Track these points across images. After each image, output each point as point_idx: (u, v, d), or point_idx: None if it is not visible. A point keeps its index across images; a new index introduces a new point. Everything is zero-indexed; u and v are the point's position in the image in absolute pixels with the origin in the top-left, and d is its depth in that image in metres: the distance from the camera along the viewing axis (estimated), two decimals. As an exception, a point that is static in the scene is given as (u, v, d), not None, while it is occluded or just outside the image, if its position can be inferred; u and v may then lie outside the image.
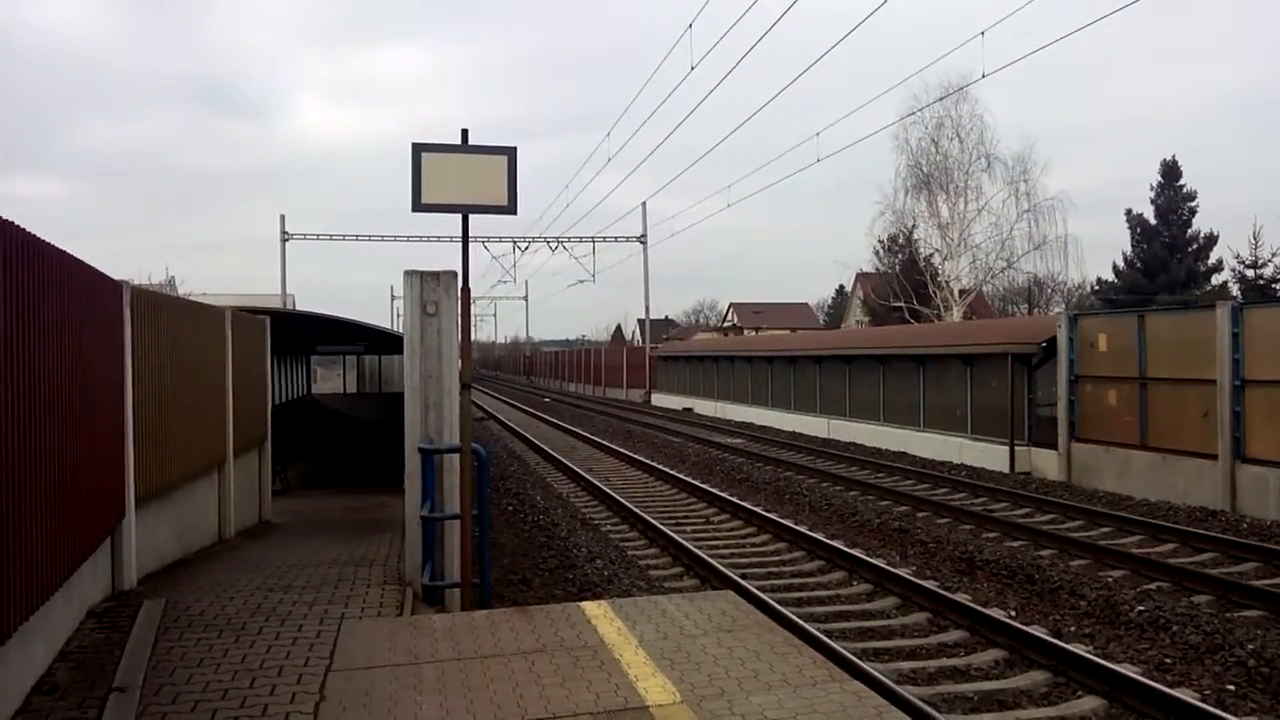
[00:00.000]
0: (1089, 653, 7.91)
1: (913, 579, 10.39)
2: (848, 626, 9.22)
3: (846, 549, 12.07)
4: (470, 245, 8.01)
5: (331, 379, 47.17)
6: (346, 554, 9.96)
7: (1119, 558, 11.49)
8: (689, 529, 14.34)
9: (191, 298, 17.06)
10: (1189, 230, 52.74)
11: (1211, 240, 52.03)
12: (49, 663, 6.01)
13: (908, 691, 7.04)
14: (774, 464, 21.81)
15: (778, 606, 9.16)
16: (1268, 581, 10.55)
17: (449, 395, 8.39)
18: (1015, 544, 12.64)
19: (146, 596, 7.73)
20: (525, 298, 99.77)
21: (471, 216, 7.73)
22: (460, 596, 8.02)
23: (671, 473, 19.97)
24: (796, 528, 13.54)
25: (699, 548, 12.39)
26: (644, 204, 55.58)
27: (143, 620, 7.00)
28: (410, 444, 8.40)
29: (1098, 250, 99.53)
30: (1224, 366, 15.03)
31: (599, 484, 18.44)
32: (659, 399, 48.72)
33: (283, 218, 54.48)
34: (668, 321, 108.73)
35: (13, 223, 5.00)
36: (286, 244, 54.51)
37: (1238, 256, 47.25)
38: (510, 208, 7.52)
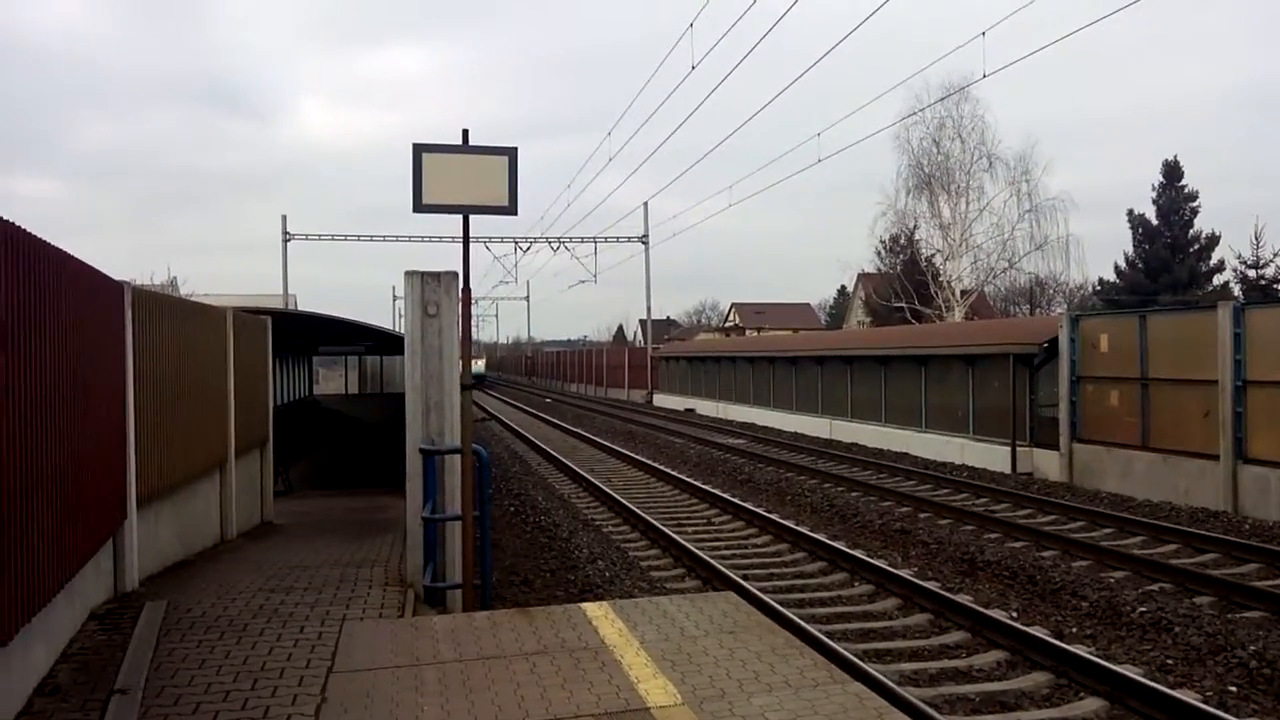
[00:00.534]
0: (1091, 654, 7.90)
1: (914, 580, 10.38)
2: (849, 628, 9.22)
3: (848, 550, 12.06)
4: (471, 245, 8.01)
5: (333, 379, 47.19)
6: (348, 555, 9.96)
7: (1121, 558, 11.48)
8: (690, 530, 14.34)
9: (193, 298, 17.07)
10: (1191, 230, 52.72)
11: (1213, 240, 52.02)
12: (51, 664, 6.01)
13: (909, 693, 7.04)
14: (776, 465, 21.81)
15: (779, 608, 9.15)
16: (1270, 582, 10.54)
17: (450, 396, 8.39)
18: (1017, 545, 12.63)
19: (148, 598, 7.73)
20: (527, 298, 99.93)
21: (473, 217, 7.73)
22: (461, 598, 8.02)
23: (673, 473, 19.96)
24: (798, 529, 13.53)
25: (700, 549, 12.38)
26: (645, 204, 55.62)
27: (144, 622, 7.00)
28: (411, 445, 8.40)
29: (1099, 250, 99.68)
30: (1226, 367, 15.02)
31: (600, 485, 18.44)
32: (661, 399, 48.72)
33: (284, 218, 54.50)
34: (669, 322, 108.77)
35: (14, 223, 5.00)
36: (288, 244, 54.52)
37: (1239, 257, 47.29)
38: (511, 208, 7.52)
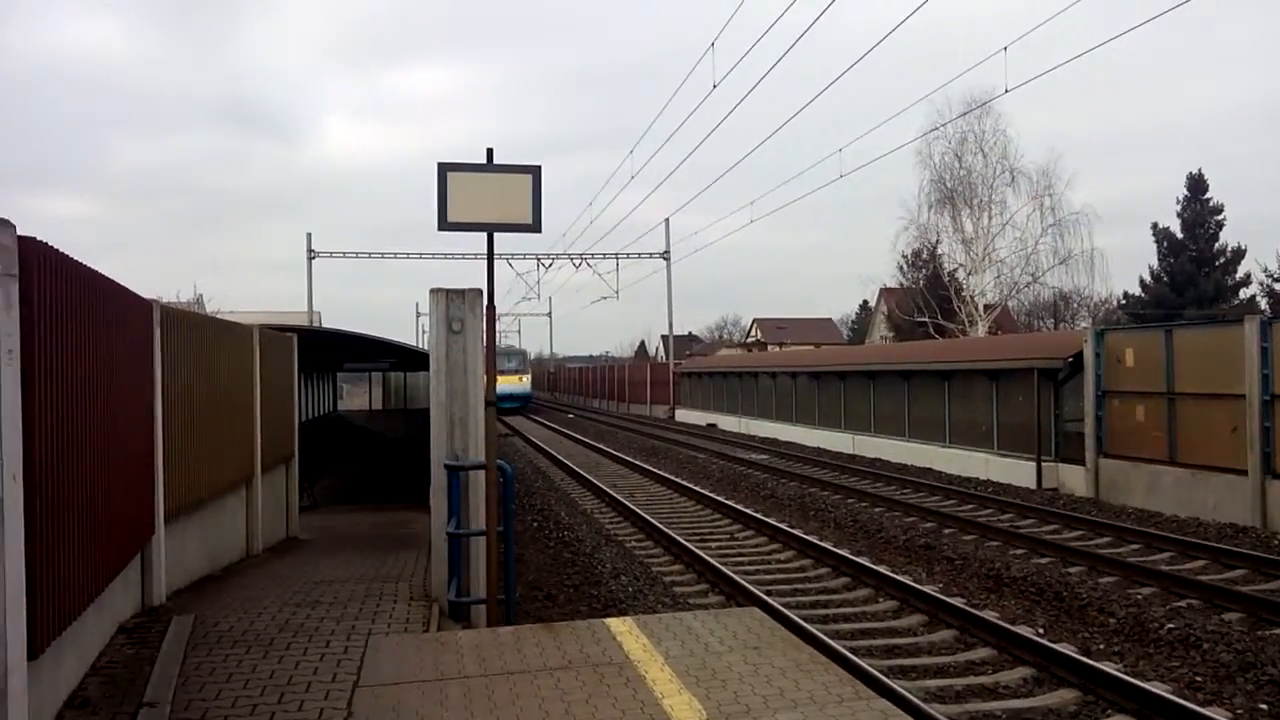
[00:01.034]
0: (1119, 671, 7.84)
1: (939, 596, 10.33)
2: (874, 644, 9.18)
3: (872, 565, 12.02)
4: (495, 262, 8.06)
5: (358, 395, 47.44)
6: (373, 570, 10.00)
7: (1148, 575, 11.38)
8: (714, 545, 14.32)
9: (219, 316, 17.22)
10: (1216, 244, 52.40)
11: (1239, 254, 51.66)
12: (80, 677, 6.07)
13: (935, 710, 7.01)
14: (798, 480, 21.75)
15: (803, 624, 9.12)
16: (1300, 599, 10.43)
17: (475, 411, 8.43)
18: (1043, 560, 12.55)
19: (175, 612, 7.80)
20: (549, 314, 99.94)
21: (496, 234, 7.79)
22: (486, 613, 8.04)
23: (696, 489, 19.95)
24: (821, 544, 13.50)
25: (724, 564, 12.37)
26: (667, 220, 55.92)
27: (172, 636, 7.06)
28: (436, 460, 8.45)
29: (1124, 264, 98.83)
30: (1253, 381, 14.89)
31: (623, 500, 18.44)
32: (683, 414, 48.69)
33: (309, 236, 54.96)
34: (691, 337, 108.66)
35: (46, 243, 5.07)
36: (313, 262, 54.91)
37: (1266, 270, 46.92)
38: (535, 226, 7.57)
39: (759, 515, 16.16)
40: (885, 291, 62.63)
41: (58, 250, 5.28)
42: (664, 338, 68.07)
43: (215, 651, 6.76)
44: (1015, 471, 20.46)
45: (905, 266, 52.45)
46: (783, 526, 15.01)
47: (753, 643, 6.64)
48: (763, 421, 36.68)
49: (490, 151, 7.55)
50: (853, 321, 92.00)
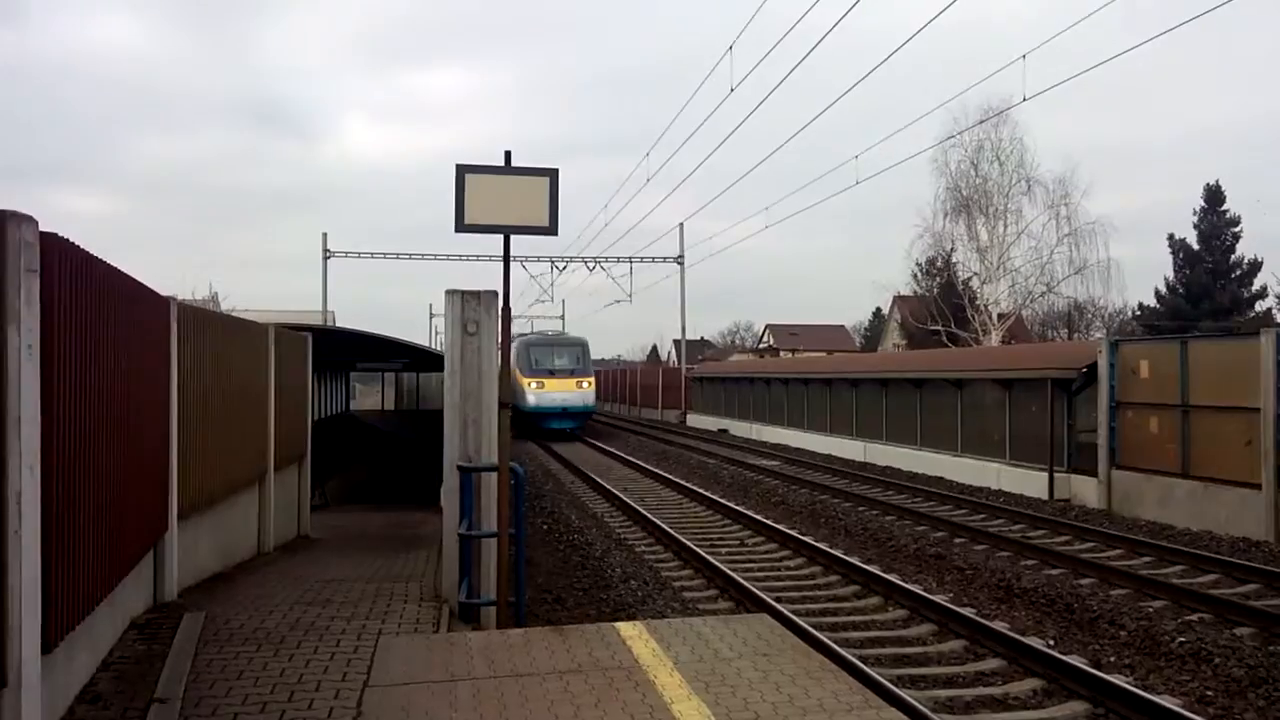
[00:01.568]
0: (1129, 684, 7.81)
1: (950, 605, 10.31)
2: (883, 653, 9.16)
3: (882, 574, 11.99)
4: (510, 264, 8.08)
5: (370, 395, 47.58)
6: (384, 570, 10.03)
7: (1160, 588, 11.33)
8: (723, 551, 14.31)
9: (233, 314, 17.30)
10: (1232, 256, 52.18)
11: (1256, 266, 51.45)
12: (92, 672, 6.10)
13: None
14: (809, 486, 21.72)
15: (813, 631, 9.11)
16: (1313, 615, 10.37)
17: (488, 413, 8.45)
18: (1054, 572, 12.50)
19: (187, 609, 7.83)
20: (562, 317, 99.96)
21: (511, 236, 7.81)
22: (496, 614, 8.05)
23: (706, 494, 19.93)
24: (831, 551, 13.47)
25: (733, 570, 12.35)
26: (681, 225, 55.66)
27: (183, 632, 7.10)
28: (449, 461, 8.47)
29: (1139, 275, 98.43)
30: (1268, 394, 14.81)
31: (633, 504, 18.44)
32: (694, 419, 48.65)
33: (325, 235, 55.01)
34: (703, 342, 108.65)
35: (67, 239, 5.11)
36: (328, 261, 55.05)
37: (1283, 282, 46.63)
38: (551, 229, 7.59)
39: (769, 521, 16.14)
40: (899, 299, 62.46)
41: (78, 247, 5.31)
42: (676, 342, 68.09)
43: (226, 649, 6.79)
44: (1027, 482, 20.39)
45: (919, 274, 52.35)
46: (793, 533, 14.98)
47: (762, 649, 6.63)
48: (774, 428, 36.64)
49: (508, 154, 7.57)
50: (865, 329, 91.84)
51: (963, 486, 21.67)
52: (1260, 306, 49.90)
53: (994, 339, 43.09)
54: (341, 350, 25.02)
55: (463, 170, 7.39)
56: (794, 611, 10.20)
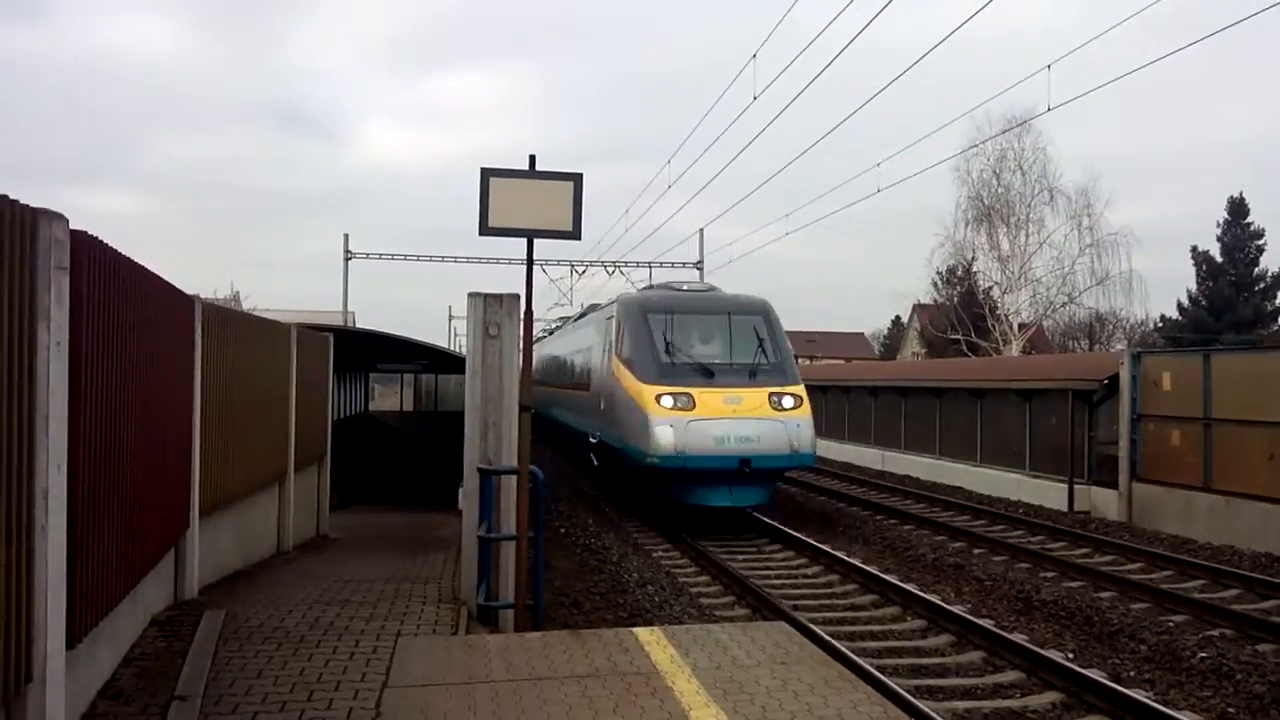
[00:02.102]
0: (1149, 699, 7.75)
1: (968, 616, 10.26)
2: (901, 663, 9.12)
3: (900, 584, 11.94)
4: (532, 268, 8.09)
5: (389, 396, 47.70)
6: (402, 571, 10.06)
7: (1181, 602, 11.24)
8: (740, 558, 14.28)
9: (255, 313, 17.39)
10: (1256, 269, 51.80)
11: (1279, 280, 51.02)
12: (114, 668, 6.14)
13: (962, 731, 6.95)
14: (826, 494, 21.65)
15: (831, 640, 9.08)
16: (1337, 632, 10.27)
17: (509, 416, 8.46)
18: (1074, 584, 12.41)
19: (207, 606, 7.87)
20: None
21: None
22: (514, 617, 8.06)
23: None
24: (849, 560, 13.42)
25: (751, 577, 12.33)
26: (701, 230, 55.58)
27: (204, 630, 7.13)
28: (469, 464, 8.48)
29: (1161, 287, 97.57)
30: (1293, 409, 14.69)
31: (650, 509, 18.39)
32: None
33: (346, 236, 55.17)
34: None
35: (97, 238, 5.14)
36: (349, 262, 55.22)
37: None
38: (575, 233, 7.60)
39: (786, 529, 16.08)
40: (918, 308, 62.29)
41: (107, 245, 5.34)
42: (694, 347, 67.73)
43: (246, 647, 6.81)
44: (1047, 493, 20.27)
45: (939, 283, 52.18)
46: (810, 541, 14.93)
47: (780, 657, 6.61)
48: (792, 434, 36.47)
49: (533, 158, 7.59)
50: (885, 337, 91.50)
51: (982, 497, 21.56)
52: (1284, 319, 49.53)
53: (1014, 349, 42.91)
54: (362, 351, 25.09)
55: (487, 173, 7.41)
56: (811, 620, 10.18)
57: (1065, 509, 19.34)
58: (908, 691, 7.72)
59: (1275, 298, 51.41)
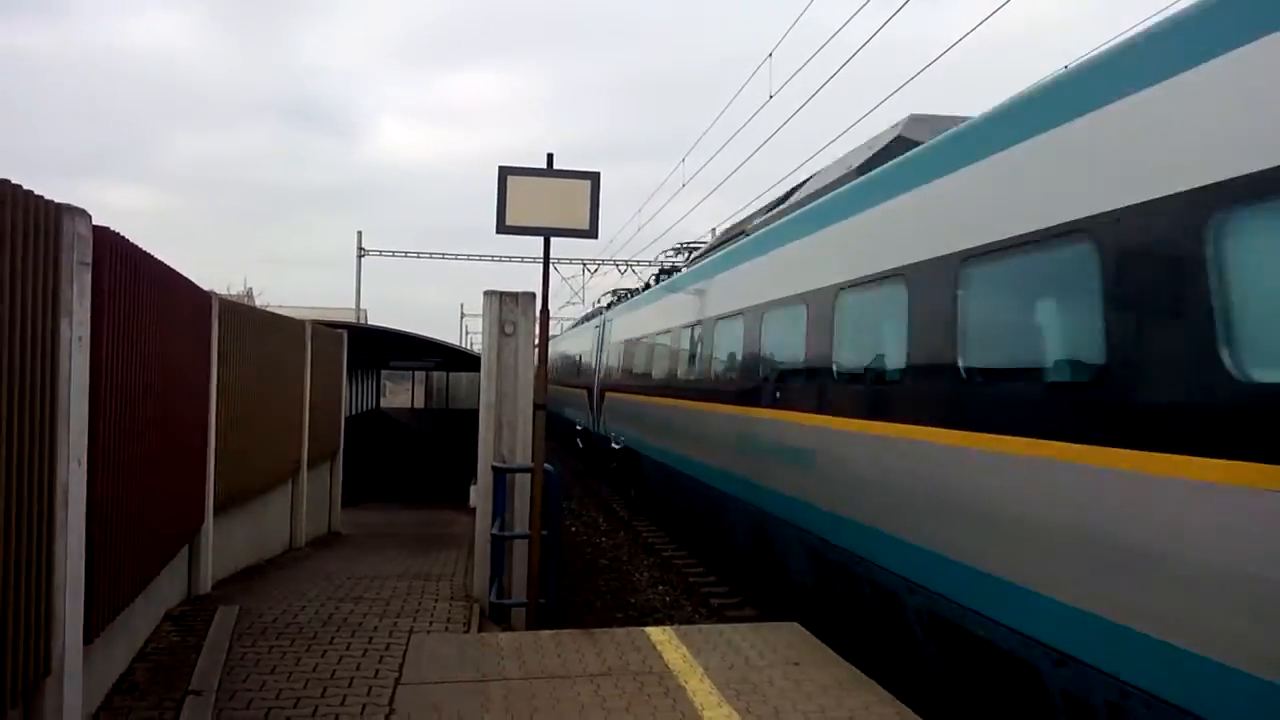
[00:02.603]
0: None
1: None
2: (913, 665, 9.09)
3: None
4: (547, 266, 8.10)
5: (400, 393, 47.82)
6: (414, 568, 10.07)
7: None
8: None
9: (267, 309, 17.43)
10: None
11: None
12: (129, 662, 6.16)
13: (975, 734, 6.92)
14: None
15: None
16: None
17: (523, 414, 8.46)
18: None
19: (221, 601, 7.90)
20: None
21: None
22: (526, 615, 8.07)
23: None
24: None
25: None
26: (714, 230, 55.57)
27: (217, 625, 7.15)
28: (483, 461, 8.49)
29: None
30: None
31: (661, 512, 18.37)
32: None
33: (360, 233, 55.28)
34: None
35: (120, 234, 5.15)
36: (362, 260, 55.32)
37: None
38: (591, 232, 7.59)
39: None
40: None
41: (128, 240, 5.37)
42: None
43: (260, 642, 6.83)
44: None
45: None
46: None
47: (793, 658, 6.61)
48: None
49: (550, 157, 7.60)
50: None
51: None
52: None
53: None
54: (374, 348, 25.17)
55: (505, 172, 7.42)
56: (823, 621, 10.14)
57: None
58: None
59: None
